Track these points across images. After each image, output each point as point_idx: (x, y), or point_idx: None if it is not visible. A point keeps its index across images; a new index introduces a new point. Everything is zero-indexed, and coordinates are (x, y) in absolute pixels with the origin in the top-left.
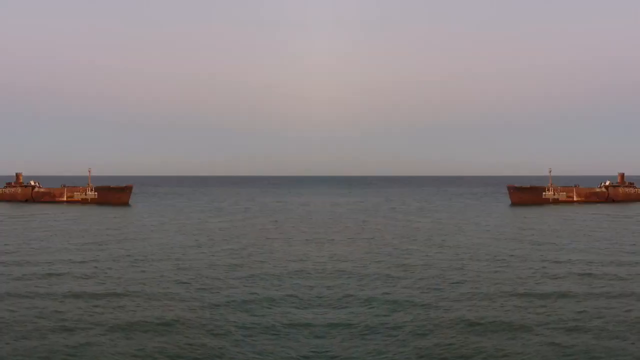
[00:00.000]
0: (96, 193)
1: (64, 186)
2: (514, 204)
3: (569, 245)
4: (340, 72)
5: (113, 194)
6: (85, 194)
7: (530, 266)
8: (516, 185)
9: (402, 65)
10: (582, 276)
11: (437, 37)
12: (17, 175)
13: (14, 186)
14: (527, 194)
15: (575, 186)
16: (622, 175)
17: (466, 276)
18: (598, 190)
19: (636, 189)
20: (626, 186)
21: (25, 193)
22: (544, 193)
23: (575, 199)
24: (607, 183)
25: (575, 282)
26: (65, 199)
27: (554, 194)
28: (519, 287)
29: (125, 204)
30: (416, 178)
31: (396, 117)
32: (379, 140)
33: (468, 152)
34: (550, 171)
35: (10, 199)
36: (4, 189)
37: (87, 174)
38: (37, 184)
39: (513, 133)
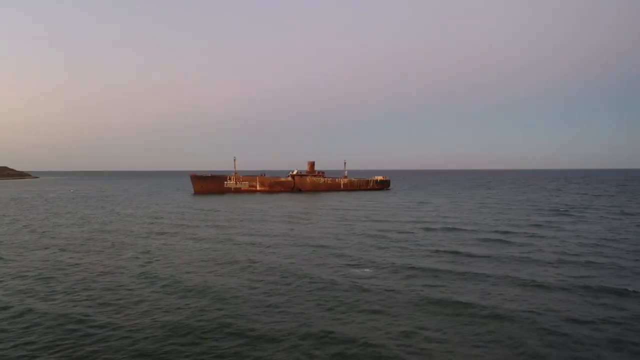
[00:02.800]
0: None
1: None
2: (196, 192)
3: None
4: None
5: None
6: None
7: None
8: (198, 174)
9: None
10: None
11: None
12: None
13: None
14: (208, 182)
15: (261, 175)
16: (312, 164)
17: None
18: (284, 179)
19: (325, 179)
20: (315, 175)
21: None
22: (225, 182)
23: (258, 188)
24: (295, 172)
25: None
26: None
27: (236, 184)
28: None
29: None
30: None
31: None
32: None
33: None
34: (234, 160)
35: None
36: None
37: None
38: None
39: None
